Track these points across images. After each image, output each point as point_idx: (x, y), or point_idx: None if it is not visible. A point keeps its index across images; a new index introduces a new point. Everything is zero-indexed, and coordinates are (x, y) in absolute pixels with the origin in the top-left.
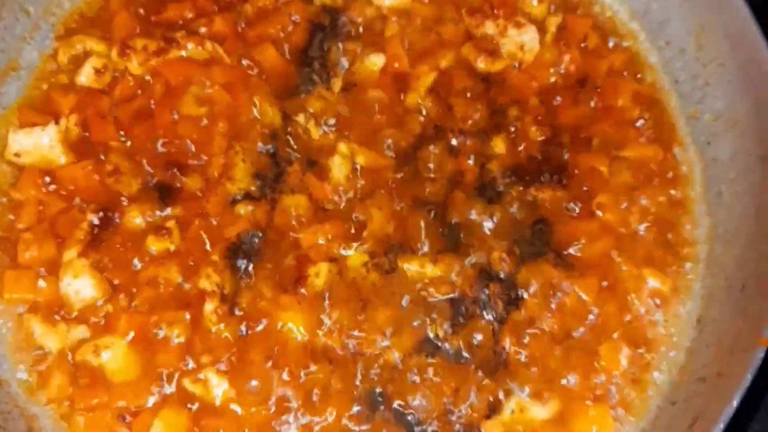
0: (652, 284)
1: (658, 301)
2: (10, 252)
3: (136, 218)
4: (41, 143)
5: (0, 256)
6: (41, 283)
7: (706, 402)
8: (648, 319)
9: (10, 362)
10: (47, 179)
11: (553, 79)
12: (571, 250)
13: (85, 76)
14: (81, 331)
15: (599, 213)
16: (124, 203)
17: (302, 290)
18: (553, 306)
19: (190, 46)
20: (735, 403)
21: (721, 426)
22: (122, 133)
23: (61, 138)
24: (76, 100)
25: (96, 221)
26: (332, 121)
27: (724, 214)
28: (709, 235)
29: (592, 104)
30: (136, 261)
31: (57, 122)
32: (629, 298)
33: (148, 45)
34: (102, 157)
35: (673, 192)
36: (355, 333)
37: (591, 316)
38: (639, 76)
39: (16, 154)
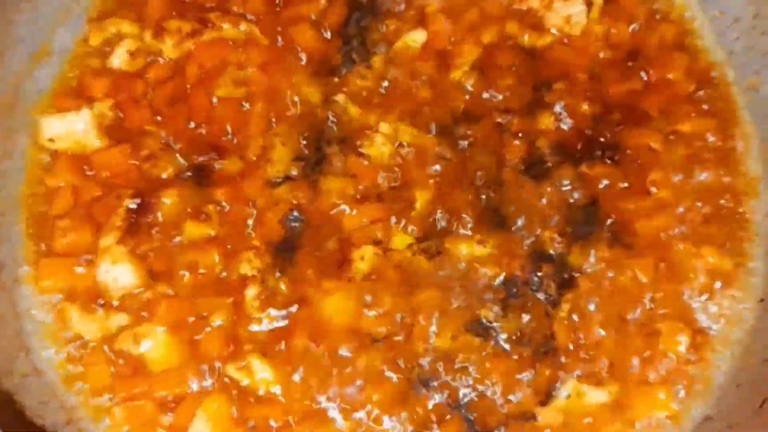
0: (712, 263)
1: (718, 281)
2: (46, 240)
3: (174, 203)
4: (75, 128)
5: (36, 243)
6: (78, 270)
7: None
8: (708, 300)
9: (48, 352)
10: (84, 166)
11: (602, 54)
12: (626, 229)
13: (119, 60)
14: (120, 319)
15: (654, 190)
16: (162, 188)
17: (346, 274)
18: (607, 287)
19: (225, 26)
20: None
21: None
22: (158, 117)
23: (95, 123)
24: (110, 84)
25: (133, 207)
26: (374, 100)
27: None
28: None
29: (644, 79)
30: (175, 247)
31: (91, 107)
32: (688, 278)
33: (182, 26)
34: (138, 141)
35: (730, 168)
36: (402, 317)
37: (647, 298)
38: (692, 48)
39: (50, 140)
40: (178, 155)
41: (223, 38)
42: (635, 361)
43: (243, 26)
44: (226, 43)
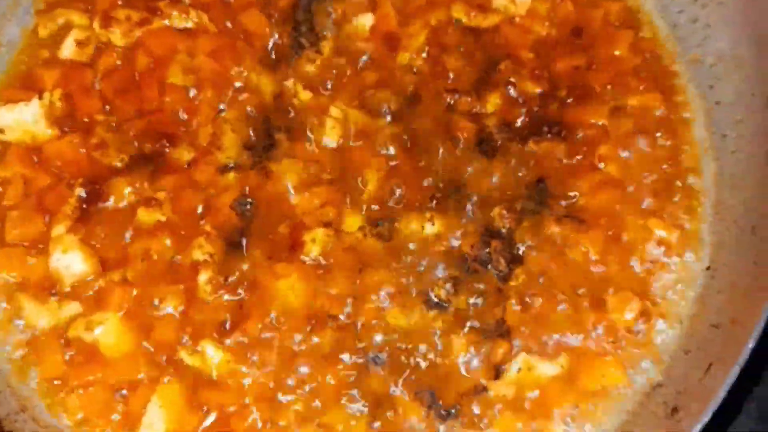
0: (659, 234)
1: (665, 251)
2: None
3: (124, 191)
4: (25, 119)
5: None
6: (30, 260)
7: (721, 348)
8: (656, 270)
9: (1, 341)
10: (34, 156)
11: (546, 32)
12: (574, 204)
13: (68, 50)
14: (73, 308)
15: (601, 165)
16: (112, 176)
17: (298, 257)
18: (557, 261)
19: (175, 14)
20: (751, 346)
21: (737, 369)
22: (107, 106)
23: (45, 113)
24: (60, 75)
25: (84, 195)
26: (323, 85)
27: (731, 158)
28: (716, 180)
29: (589, 55)
30: (127, 234)
31: (41, 97)
32: (636, 250)
33: (131, 15)
34: (88, 130)
35: (676, 139)
36: (354, 297)
37: (596, 270)
38: (636, 23)
39: (0, 131)
40: (129, 143)
41: (172, 26)
42: (585, 332)
43: (192, 14)
44: (175, 31)
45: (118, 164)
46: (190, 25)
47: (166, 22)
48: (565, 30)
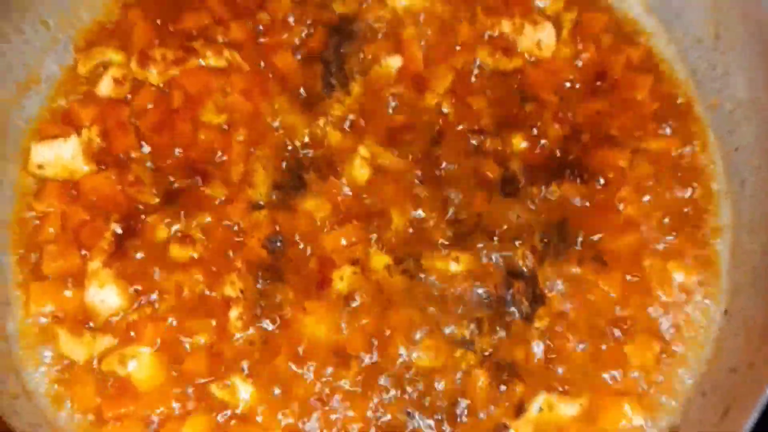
0: (678, 277)
1: (684, 295)
2: (35, 264)
3: (158, 227)
4: (63, 155)
5: (25, 268)
6: (67, 293)
7: (737, 392)
8: (675, 312)
9: (37, 374)
10: (71, 191)
11: (570, 76)
12: (595, 245)
13: (105, 87)
14: (107, 341)
15: (621, 207)
16: (147, 212)
17: (326, 294)
18: (578, 302)
19: (209, 54)
20: None
21: (756, 415)
22: (143, 143)
23: (83, 149)
24: (97, 111)
25: (119, 231)
26: (352, 125)
27: (749, 203)
28: (734, 225)
29: (611, 100)
30: (159, 270)
31: (79, 134)
32: (655, 293)
33: (166, 54)
34: (124, 167)
35: (695, 184)
36: (379, 335)
37: (617, 312)
38: (656, 68)
39: (39, 166)
40: (163, 180)
41: (207, 65)
42: (604, 374)
43: (226, 53)
44: (209, 70)
45: (153, 201)
46: (223, 63)
47: (201, 61)
48: (587, 74)
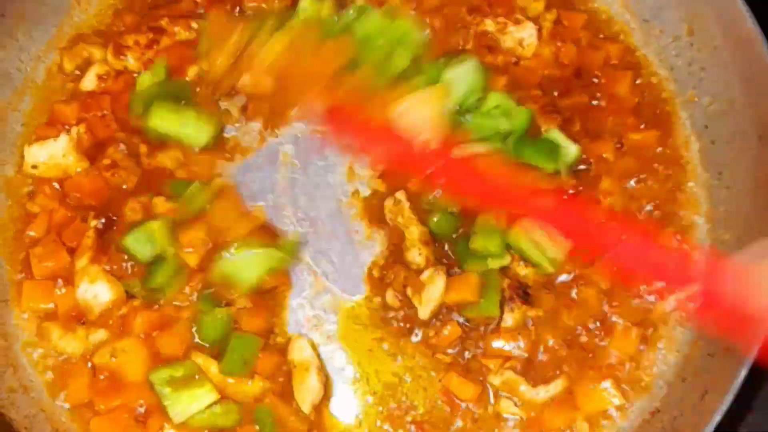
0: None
1: (664, 283)
2: (26, 263)
3: (135, 210)
4: (55, 153)
5: (16, 267)
6: (58, 291)
7: (715, 376)
8: (657, 299)
9: (33, 368)
10: (56, 186)
11: (553, 72)
12: None
13: (90, 83)
14: (99, 335)
15: (603, 198)
16: (123, 197)
17: None
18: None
19: (177, 29)
20: (743, 374)
21: (730, 397)
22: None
23: (73, 146)
24: (81, 106)
25: (100, 226)
26: None
27: (725, 194)
28: (711, 216)
29: (591, 93)
30: None
31: (68, 132)
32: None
33: (138, 39)
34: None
35: (674, 174)
36: None
37: (604, 304)
38: (636, 64)
39: (33, 166)
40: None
41: (180, 40)
42: (585, 359)
43: (194, 24)
44: (182, 44)
45: (129, 186)
46: (194, 35)
47: (175, 38)
48: (567, 71)
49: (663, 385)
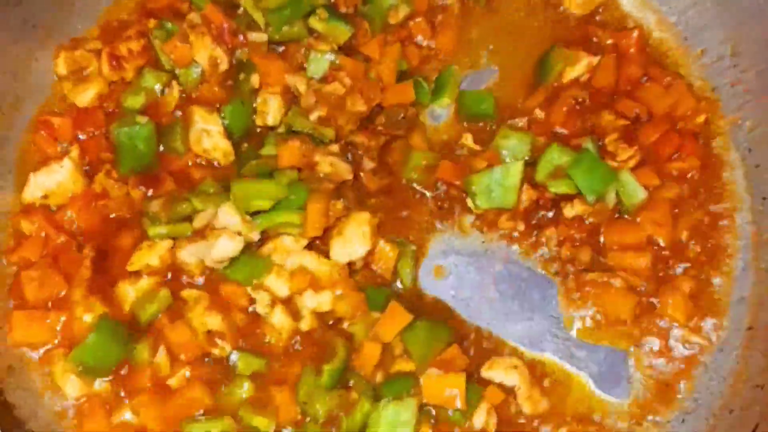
0: (702, 294)
1: (708, 312)
2: (17, 292)
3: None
4: (62, 179)
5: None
6: (49, 320)
7: (766, 408)
8: (700, 330)
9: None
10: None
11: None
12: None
13: (86, 99)
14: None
15: (645, 225)
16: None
17: None
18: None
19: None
20: None
21: None
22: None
23: (75, 166)
24: (73, 121)
25: (93, 254)
26: None
27: None
28: (756, 241)
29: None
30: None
31: (68, 152)
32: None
33: (131, 47)
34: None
35: (716, 200)
36: None
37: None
38: (681, 87)
39: (44, 196)
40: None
41: None
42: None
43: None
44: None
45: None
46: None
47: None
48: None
49: (710, 417)
